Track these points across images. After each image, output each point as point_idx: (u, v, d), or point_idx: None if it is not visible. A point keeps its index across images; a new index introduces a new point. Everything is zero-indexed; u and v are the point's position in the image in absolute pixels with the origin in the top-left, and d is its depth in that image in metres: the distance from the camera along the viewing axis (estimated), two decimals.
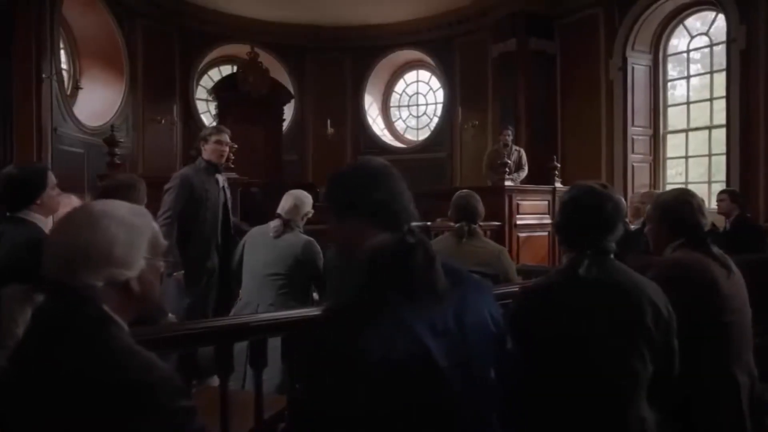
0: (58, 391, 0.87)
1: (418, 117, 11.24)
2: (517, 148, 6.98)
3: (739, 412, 1.75)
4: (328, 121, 9.83)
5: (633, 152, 7.68)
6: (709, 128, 7.35)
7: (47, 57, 6.04)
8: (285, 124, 9.70)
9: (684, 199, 1.92)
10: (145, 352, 0.94)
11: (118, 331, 0.96)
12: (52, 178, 2.43)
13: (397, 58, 10.61)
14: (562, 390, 1.39)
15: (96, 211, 1.00)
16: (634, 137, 7.69)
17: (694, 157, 7.64)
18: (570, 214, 1.52)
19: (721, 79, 6.89)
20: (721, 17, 6.80)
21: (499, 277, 2.58)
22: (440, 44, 9.76)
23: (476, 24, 9.08)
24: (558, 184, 6.35)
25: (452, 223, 2.85)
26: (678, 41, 7.82)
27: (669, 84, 7.88)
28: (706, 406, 1.74)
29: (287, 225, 3.00)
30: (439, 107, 10.47)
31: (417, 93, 11.21)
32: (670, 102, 7.87)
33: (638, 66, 7.68)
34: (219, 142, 3.55)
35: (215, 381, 1.89)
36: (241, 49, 9.14)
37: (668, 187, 6.99)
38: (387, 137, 10.97)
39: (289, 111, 9.90)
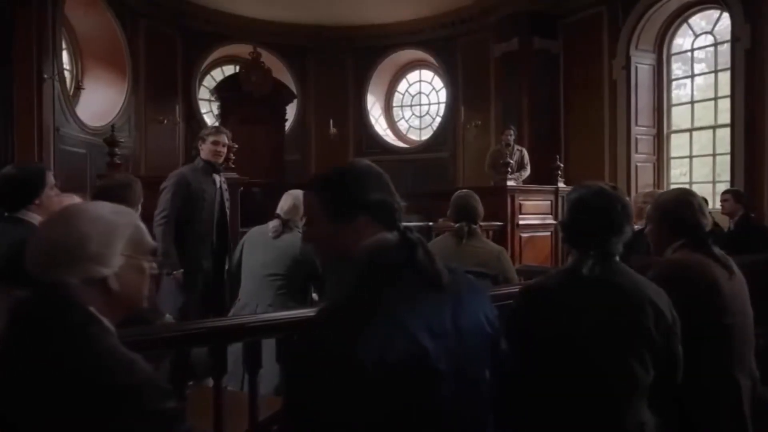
0: (32, 391, 0.86)
1: (420, 117, 11.23)
2: (519, 147, 6.97)
3: (741, 414, 1.73)
4: (331, 121, 9.82)
5: (637, 152, 7.64)
6: (714, 128, 7.30)
7: (49, 57, 6.05)
8: (287, 124, 9.70)
9: (684, 199, 1.89)
10: (128, 354, 0.92)
11: (101, 331, 0.94)
12: (50, 178, 2.43)
13: (399, 57, 10.59)
14: (559, 391, 1.37)
15: (74, 210, 1.01)
16: (638, 137, 7.65)
17: (698, 157, 7.59)
18: (577, 213, 1.49)
19: (725, 78, 6.85)
20: (726, 16, 6.75)
21: (498, 277, 2.56)
22: (443, 44, 9.74)
23: (479, 23, 9.06)
24: (561, 184, 6.32)
25: (452, 224, 2.84)
26: (682, 40, 7.77)
27: (673, 83, 7.83)
28: (706, 409, 1.71)
29: (286, 225, 2.98)
30: (442, 107, 10.45)
31: (420, 93, 11.20)
32: (674, 101, 7.82)
33: (642, 65, 7.64)
34: (216, 143, 3.55)
35: (211, 382, 1.89)
36: (244, 49, 9.13)
37: (672, 188, 6.94)
38: (389, 137, 10.96)
39: (291, 111, 9.89)
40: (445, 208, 2.97)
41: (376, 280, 1.04)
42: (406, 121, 11.39)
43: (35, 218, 2.27)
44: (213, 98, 9.43)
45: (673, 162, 7.82)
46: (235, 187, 4.62)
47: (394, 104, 11.31)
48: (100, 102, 8.05)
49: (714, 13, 7.27)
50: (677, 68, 7.89)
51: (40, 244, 0.98)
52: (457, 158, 9.70)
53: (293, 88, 9.85)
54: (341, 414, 0.96)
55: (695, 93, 7.70)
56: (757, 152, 6.11)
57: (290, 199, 3.04)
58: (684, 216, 1.85)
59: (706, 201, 4.10)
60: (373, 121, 10.77)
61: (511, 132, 6.88)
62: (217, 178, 3.61)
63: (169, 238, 3.34)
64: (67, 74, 7.57)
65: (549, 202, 6.32)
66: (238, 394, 2.37)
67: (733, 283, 1.81)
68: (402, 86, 11.25)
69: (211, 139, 3.53)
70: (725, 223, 4.95)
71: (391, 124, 11.28)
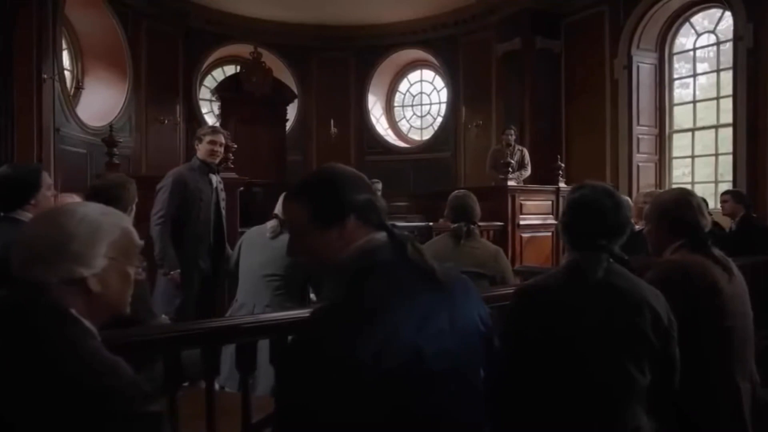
0: (6, 393, 0.84)
1: (421, 117, 11.21)
2: (520, 147, 6.96)
3: (741, 418, 1.70)
4: (332, 121, 9.82)
5: (638, 152, 7.61)
6: (716, 127, 7.26)
7: (48, 57, 6.05)
8: (288, 125, 9.70)
9: (683, 198, 1.87)
10: (108, 356, 0.91)
11: (80, 332, 0.93)
12: (46, 178, 2.42)
13: (400, 57, 10.58)
14: (554, 394, 1.35)
15: (62, 209, 1.00)
16: (640, 136, 7.62)
17: (700, 157, 7.55)
18: (576, 213, 1.47)
19: (728, 77, 6.81)
20: (728, 15, 6.72)
21: (495, 278, 2.55)
22: (444, 43, 9.73)
23: (481, 23, 9.04)
24: (562, 184, 6.30)
25: (450, 224, 2.82)
26: (685, 40, 7.74)
27: (675, 83, 7.80)
28: (706, 413, 1.69)
29: (284, 225, 2.97)
30: (443, 107, 10.43)
31: (421, 93, 11.18)
32: (676, 101, 7.79)
33: (644, 65, 7.61)
34: (213, 142, 3.54)
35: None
36: (245, 49, 9.13)
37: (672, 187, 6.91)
38: (390, 137, 10.95)
39: (292, 111, 9.89)
40: (445, 208, 2.95)
41: (371, 281, 1.04)
42: (407, 120, 11.37)
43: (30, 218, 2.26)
44: (214, 98, 9.44)
45: (675, 162, 7.78)
46: (233, 187, 4.61)
47: (396, 104, 11.30)
48: (100, 102, 8.05)
49: (716, 12, 7.24)
50: (680, 67, 7.85)
51: (23, 241, 0.97)
52: (458, 158, 9.69)
53: (294, 88, 9.85)
54: (337, 414, 0.95)
55: (697, 92, 7.66)
56: (760, 152, 6.08)
57: None
58: (683, 216, 1.83)
59: (706, 201, 4.08)
60: (374, 121, 10.76)
61: (512, 132, 6.87)
62: (213, 177, 3.60)
63: (167, 238, 3.33)
64: (67, 74, 7.58)
65: (550, 203, 6.30)
66: (236, 396, 2.35)
67: (733, 285, 1.79)
68: (403, 86, 11.24)
69: (207, 138, 3.52)
70: (727, 223, 4.92)
71: (392, 124, 11.26)
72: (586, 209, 1.45)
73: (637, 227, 4.21)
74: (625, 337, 1.37)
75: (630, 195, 6.64)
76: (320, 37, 10.03)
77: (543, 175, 6.73)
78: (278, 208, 3.02)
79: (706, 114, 7.46)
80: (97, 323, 0.98)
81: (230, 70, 10.01)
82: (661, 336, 1.39)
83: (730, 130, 6.59)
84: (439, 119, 10.52)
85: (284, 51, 10.04)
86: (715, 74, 7.39)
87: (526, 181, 6.75)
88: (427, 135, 10.79)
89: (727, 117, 6.77)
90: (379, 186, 6.86)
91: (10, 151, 5.45)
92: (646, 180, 7.57)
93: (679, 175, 7.80)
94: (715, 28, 7.34)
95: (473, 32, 9.28)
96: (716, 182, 7.22)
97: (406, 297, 1.04)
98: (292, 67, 10.22)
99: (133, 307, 1.39)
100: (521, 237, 5.95)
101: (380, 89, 10.96)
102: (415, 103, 11.28)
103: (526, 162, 6.83)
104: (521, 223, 5.96)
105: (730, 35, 6.63)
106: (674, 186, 7.49)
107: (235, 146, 5.05)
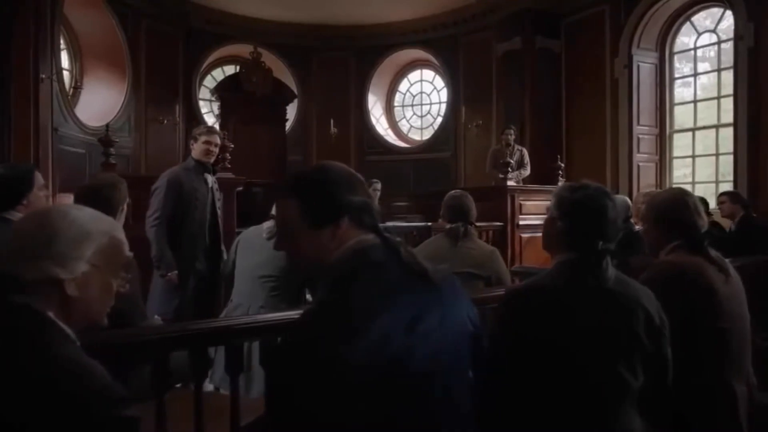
0: None
1: (421, 116, 11.19)
2: (520, 147, 6.95)
3: (736, 421, 1.68)
4: (332, 121, 9.81)
5: (639, 152, 7.59)
6: (717, 127, 7.23)
7: (47, 57, 6.04)
8: (288, 125, 9.69)
9: (679, 198, 1.84)
10: (83, 360, 0.89)
11: (55, 334, 0.91)
12: (39, 178, 2.41)
13: (400, 57, 10.57)
14: (545, 395, 1.33)
15: (55, 208, 1.00)
16: (640, 136, 7.60)
17: (701, 157, 7.52)
18: (577, 214, 1.44)
19: (728, 77, 6.78)
20: (729, 14, 6.69)
21: (491, 279, 2.53)
22: (444, 43, 9.72)
23: (481, 22, 9.03)
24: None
25: (447, 224, 2.80)
26: (687, 39, 7.71)
27: (676, 82, 7.77)
28: (701, 417, 1.66)
29: None
30: (443, 107, 10.42)
31: (421, 92, 11.16)
32: (676, 100, 7.76)
33: (644, 64, 7.59)
34: (208, 142, 3.52)
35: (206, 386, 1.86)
36: (245, 49, 9.14)
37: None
38: (390, 137, 10.94)
39: (292, 111, 9.89)
40: (442, 208, 2.93)
41: (361, 281, 1.03)
42: (408, 120, 11.36)
43: None
44: (213, 98, 9.44)
45: (675, 162, 7.75)
46: (230, 188, 4.60)
47: (396, 104, 11.29)
48: (100, 102, 8.05)
49: (717, 11, 7.21)
50: (681, 67, 7.82)
51: (11, 235, 0.97)
52: (459, 158, 9.68)
53: (294, 88, 9.84)
54: (326, 415, 0.95)
55: (698, 92, 7.63)
56: (761, 152, 6.05)
57: None
58: (679, 216, 1.80)
59: (705, 201, 4.04)
60: (374, 120, 10.75)
61: (511, 131, 6.87)
62: (209, 177, 3.59)
63: (163, 239, 3.32)
64: (66, 74, 7.57)
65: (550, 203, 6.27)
66: (225, 397, 2.33)
67: (729, 286, 1.77)
68: (403, 86, 11.22)
69: (202, 138, 3.51)
70: (728, 224, 4.89)
71: (393, 123, 11.25)
72: (588, 210, 1.42)
73: (638, 227, 4.19)
74: (617, 339, 1.35)
75: (630, 195, 6.61)
76: (320, 37, 10.03)
77: (543, 175, 6.71)
78: (275, 210, 3.01)
79: (707, 114, 7.43)
80: (73, 327, 0.96)
81: (230, 70, 10.01)
82: (653, 336, 1.37)
83: (730, 129, 6.56)
84: (439, 119, 10.50)
85: (284, 51, 10.04)
86: (716, 74, 7.36)
87: (526, 181, 6.73)
88: (427, 135, 10.78)
89: (728, 117, 6.74)
90: (379, 186, 6.84)
91: (7, 151, 5.44)
92: (646, 180, 7.54)
93: (680, 175, 7.78)
94: (715, 27, 7.31)
95: (473, 32, 9.26)
96: (717, 182, 7.19)
97: (396, 297, 1.03)
98: (292, 67, 10.21)
99: (125, 309, 1.37)
100: (521, 237, 5.93)
101: (380, 89, 10.94)
102: (415, 103, 11.26)
103: (525, 162, 6.82)
104: (521, 223, 5.94)
105: (731, 34, 6.60)
106: (674, 186, 7.46)
107: (232, 146, 5.04)
